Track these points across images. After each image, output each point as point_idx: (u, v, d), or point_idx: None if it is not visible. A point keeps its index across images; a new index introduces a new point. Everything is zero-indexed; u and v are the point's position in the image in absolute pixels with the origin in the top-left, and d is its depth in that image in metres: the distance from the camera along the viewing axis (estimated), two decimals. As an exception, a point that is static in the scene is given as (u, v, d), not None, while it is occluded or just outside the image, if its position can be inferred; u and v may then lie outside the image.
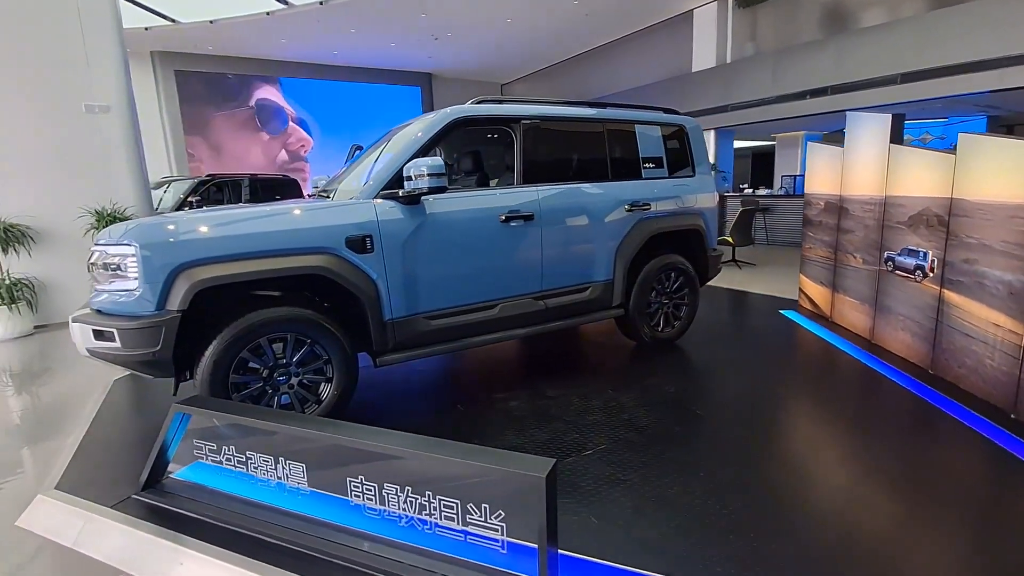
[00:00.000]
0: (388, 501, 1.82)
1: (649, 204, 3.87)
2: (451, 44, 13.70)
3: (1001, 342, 2.87)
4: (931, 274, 3.42)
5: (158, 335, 2.45)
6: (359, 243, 2.84)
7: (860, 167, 4.20)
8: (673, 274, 4.11)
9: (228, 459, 2.17)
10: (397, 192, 2.95)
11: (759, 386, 3.37)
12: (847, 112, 4.38)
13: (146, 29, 11.76)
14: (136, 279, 2.46)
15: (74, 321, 2.63)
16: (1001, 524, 2.02)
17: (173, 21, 11.51)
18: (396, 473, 1.80)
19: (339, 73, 15.46)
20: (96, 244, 2.63)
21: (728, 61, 10.76)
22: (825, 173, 4.77)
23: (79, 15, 5.89)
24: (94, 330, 2.53)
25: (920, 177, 3.52)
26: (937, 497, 2.18)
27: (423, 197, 3.00)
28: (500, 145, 3.85)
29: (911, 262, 3.61)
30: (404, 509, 1.79)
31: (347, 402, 2.93)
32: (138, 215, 6.19)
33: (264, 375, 2.71)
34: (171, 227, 2.54)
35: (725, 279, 7.12)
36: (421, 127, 3.20)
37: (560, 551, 1.89)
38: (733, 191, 11.93)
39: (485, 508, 1.64)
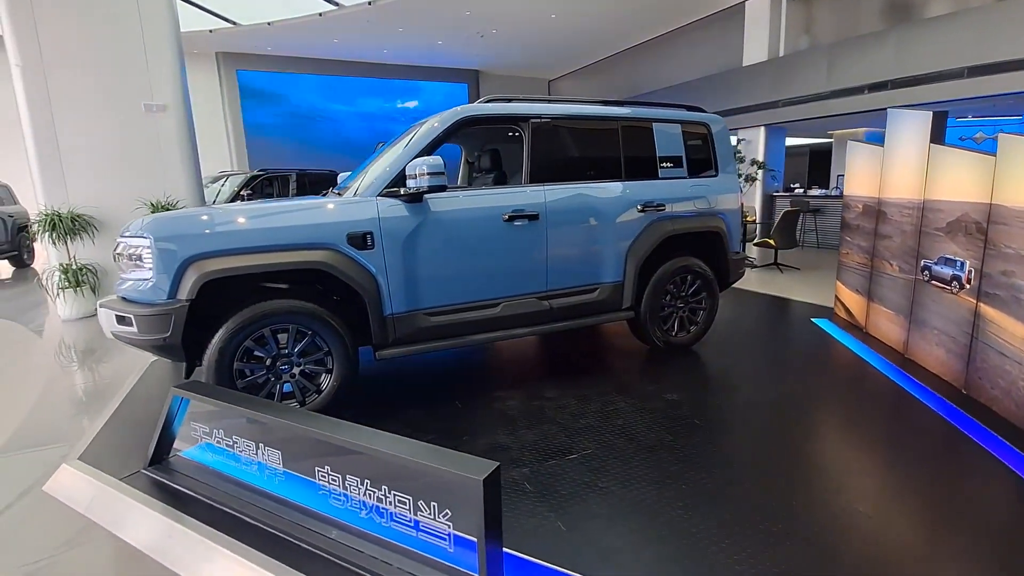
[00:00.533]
0: (351, 492, 1.88)
1: (664, 205, 3.77)
2: (497, 41, 13.76)
3: (1037, 363, 2.62)
4: (968, 286, 3.16)
5: (168, 322, 2.63)
6: (360, 240, 2.92)
7: (899, 168, 3.92)
8: (689, 277, 3.98)
9: (219, 442, 2.31)
10: (399, 190, 3.03)
11: (770, 400, 3.22)
12: (888, 109, 4.09)
13: (210, 31, 12.49)
14: (151, 269, 2.65)
15: (101, 307, 2.86)
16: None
17: (234, 23, 12.16)
18: (357, 466, 1.86)
19: (389, 71, 15.85)
20: (121, 236, 2.85)
21: (781, 55, 10.24)
22: (864, 174, 4.48)
23: (140, 21, 6.35)
24: (116, 315, 2.74)
25: (959, 180, 3.25)
26: (954, 536, 2.02)
27: (425, 196, 3.06)
28: (515, 144, 3.86)
29: (948, 272, 3.35)
30: (365, 500, 1.85)
31: (347, 393, 3.03)
32: (189, 207, 6.61)
33: (267, 364, 2.85)
34: (184, 222, 2.72)
35: (762, 283, 6.83)
36: (428, 126, 3.25)
37: (518, 554, 1.90)
38: (783, 191, 11.38)
39: (434, 506, 1.67)
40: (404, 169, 3.02)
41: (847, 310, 4.79)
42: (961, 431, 2.72)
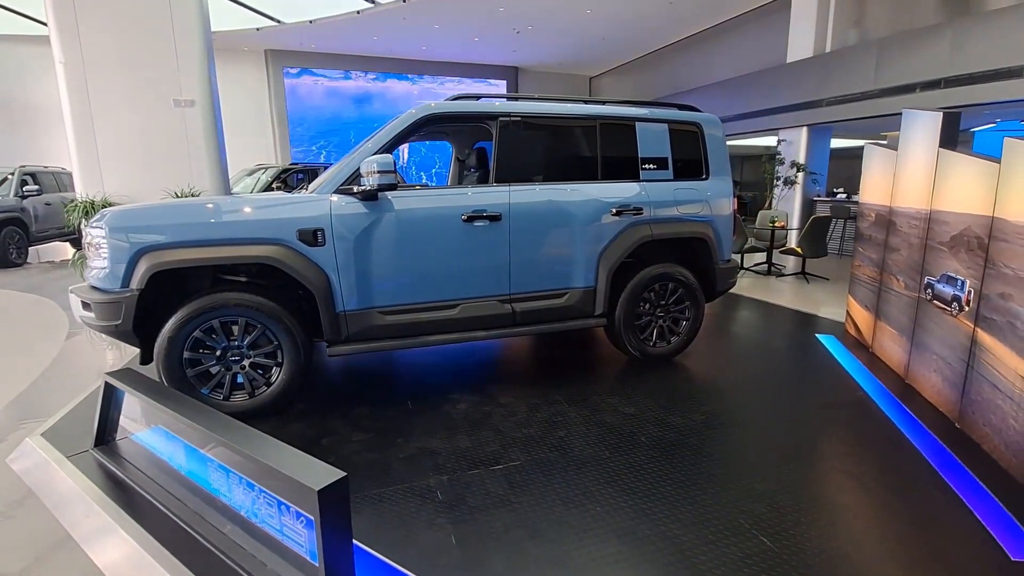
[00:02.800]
0: (233, 487, 1.88)
1: (642, 208, 3.59)
2: (533, 37, 13.64)
3: (1029, 400, 2.31)
4: (967, 308, 2.83)
5: (120, 310, 2.73)
6: (311, 236, 2.94)
7: (909, 174, 3.57)
8: (671, 285, 3.78)
9: (142, 427, 2.38)
10: (352, 188, 3.02)
11: (736, 422, 3.00)
12: (903, 110, 3.72)
13: (257, 30, 13.02)
14: (106, 258, 2.76)
15: (71, 292, 3.01)
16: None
17: (279, 22, 12.62)
18: (242, 465, 1.86)
19: (428, 68, 16.04)
20: (87, 226, 2.98)
21: (827, 50, 9.59)
22: (878, 180, 4.11)
23: (171, 21, 6.68)
24: (81, 301, 2.87)
25: (964, 189, 2.91)
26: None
27: (380, 194, 3.05)
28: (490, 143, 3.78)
29: (949, 291, 3.01)
30: (245, 497, 1.84)
31: (299, 387, 3.06)
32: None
33: (217, 355, 2.92)
34: (138, 214, 2.81)
35: (780, 293, 6.44)
36: (391, 123, 3.23)
37: (390, 562, 1.84)
38: (826, 195, 10.69)
39: (294, 510, 1.64)
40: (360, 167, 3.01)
41: (856, 327, 4.43)
42: (941, 476, 2.40)
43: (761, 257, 8.17)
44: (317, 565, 1.52)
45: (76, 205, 6.35)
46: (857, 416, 3.04)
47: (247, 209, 2.94)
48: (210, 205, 2.94)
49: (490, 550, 1.92)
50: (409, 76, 16.06)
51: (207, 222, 2.84)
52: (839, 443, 2.77)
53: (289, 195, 3.11)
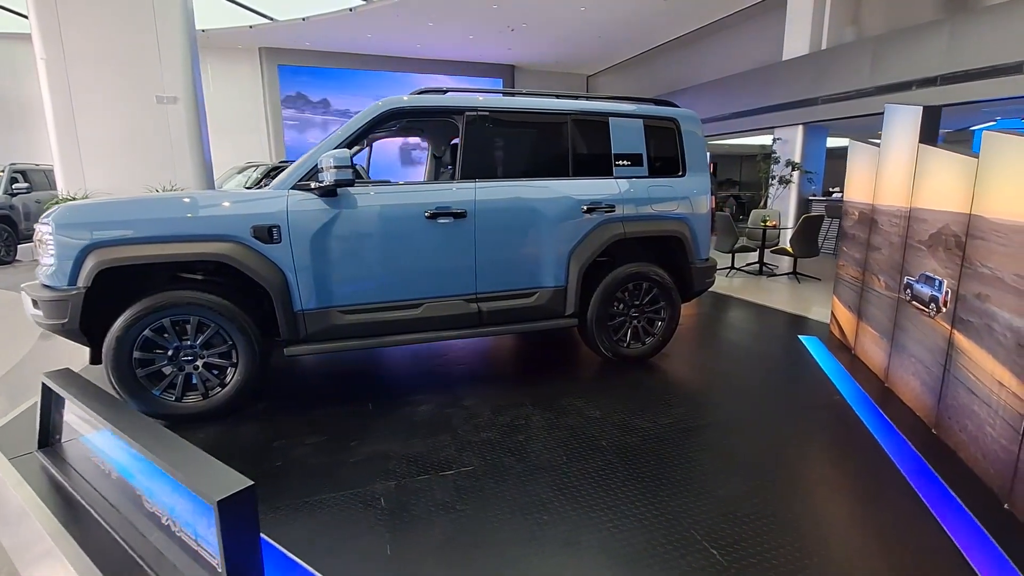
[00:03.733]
0: (156, 492, 1.80)
1: (614, 206, 3.49)
2: (527, 35, 13.54)
3: (1004, 407, 2.20)
4: (944, 309, 2.72)
5: (66, 308, 2.65)
6: (266, 233, 2.85)
7: (890, 171, 3.46)
8: (645, 285, 3.68)
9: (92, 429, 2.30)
10: (310, 184, 2.93)
11: (702, 425, 2.89)
12: (886, 105, 3.61)
13: (250, 27, 12.96)
14: (53, 256, 2.68)
15: (22, 289, 2.93)
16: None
17: (272, 19, 12.56)
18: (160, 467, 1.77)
19: (423, 66, 15.96)
20: (38, 222, 2.90)
21: (823, 47, 9.45)
22: (861, 177, 4.00)
23: (154, 18, 6.62)
24: (31, 299, 2.79)
25: (943, 186, 2.80)
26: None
27: (339, 190, 2.96)
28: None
29: (927, 292, 2.90)
30: (167, 501, 1.76)
31: (255, 387, 2.98)
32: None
33: (169, 355, 2.83)
34: (86, 210, 2.72)
35: (768, 293, 6.33)
36: (353, 118, 3.14)
37: (315, 572, 1.75)
38: (822, 195, 10.55)
39: (205, 520, 1.55)
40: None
41: (840, 329, 4.32)
42: (911, 486, 2.29)
43: (753, 257, 8.04)
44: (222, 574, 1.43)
45: (55, 202, 6.29)
46: (830, 421, 2.93)
47: (200, 205, 2.85)
48: (161, 201, 2.86)
49: (425, 561, 1.83)
50: (407, 73, 15.98)
51: (157, 218, 2.75)
52: (807, 450, 2.67)
53: (245, 191, 3.02)
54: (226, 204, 2.86)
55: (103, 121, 6.55)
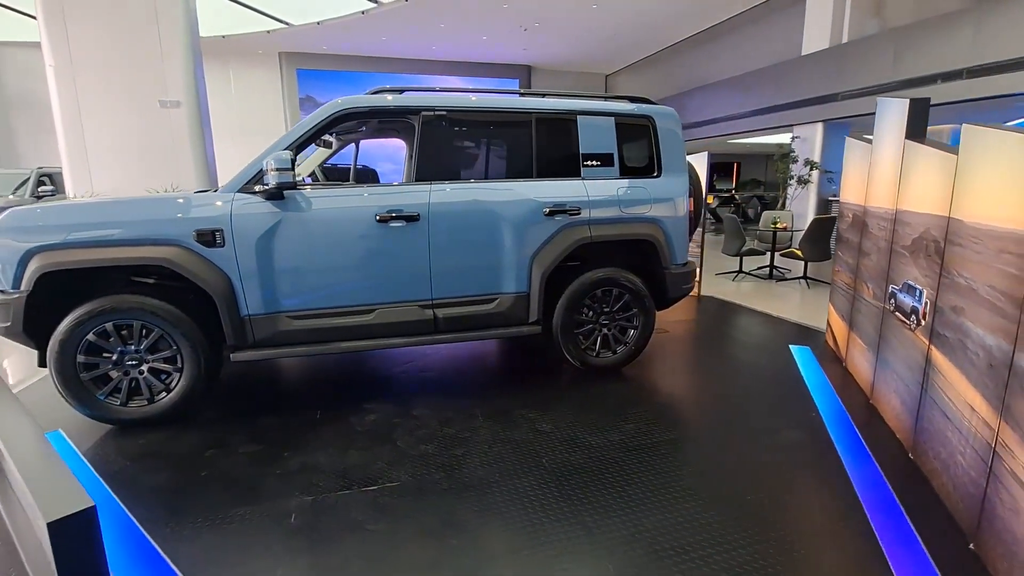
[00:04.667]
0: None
1: (579, 209, 3.33)
2: (541, 34, 13.38)
3: (974, 435, 1.96)
4: (923, 322, 2.47)
5: (8, 312, 2.66)
6: (209, 237, 2.81)
7: (880, 171, 3.20)
8: (615, 291, 3.50)
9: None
10: (255, 187, 2.88)
11: (655, 443, 2.70)
12: (877, 99, 3.34)
13: (268, 32, 13.20)
14: (-1, 260, 2.69)
15: (-23, 292, 2.96)
16: None
17: (288, 24, 12.76)
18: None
19: (439, 68, 15.97)
20: (-9, 225, 2.93)
21: (844, 41, 9.00)
22: (855, 177, 3.73)
23: (157, 22, 6.75)
24: (-21, 301, 2.81)
25: (924, 185, 2.55)
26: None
27: (286, 192, 2.90)
28: (459, 139, 3.53)
29: (908, 302, 2.65)
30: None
31: (201, 392, 2.94)
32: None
33: (114, 359, 2.81)
34: (31, 215, 2.72)
35: (771, 298, 6.03)
36: (305, 119, 3.07)
37: (192, 602, 1.67)
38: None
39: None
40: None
41: (834, 338, 4.04)
42: (869, 522, 2.06)
43: (764, 260, 7.70)
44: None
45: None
46: (799, 442, 2.70)
47: (144, 209, 2.82)
48: (106, 205, 2.84)
49: (314, 587, 1.73)
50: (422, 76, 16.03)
51: (99, 222, 2.73)
52: (764, 475, 2.44)
53: (189, 194, 2.99)
54: (170, 208, 2.83)
55: (109, 125, 6.71)
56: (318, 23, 12.56)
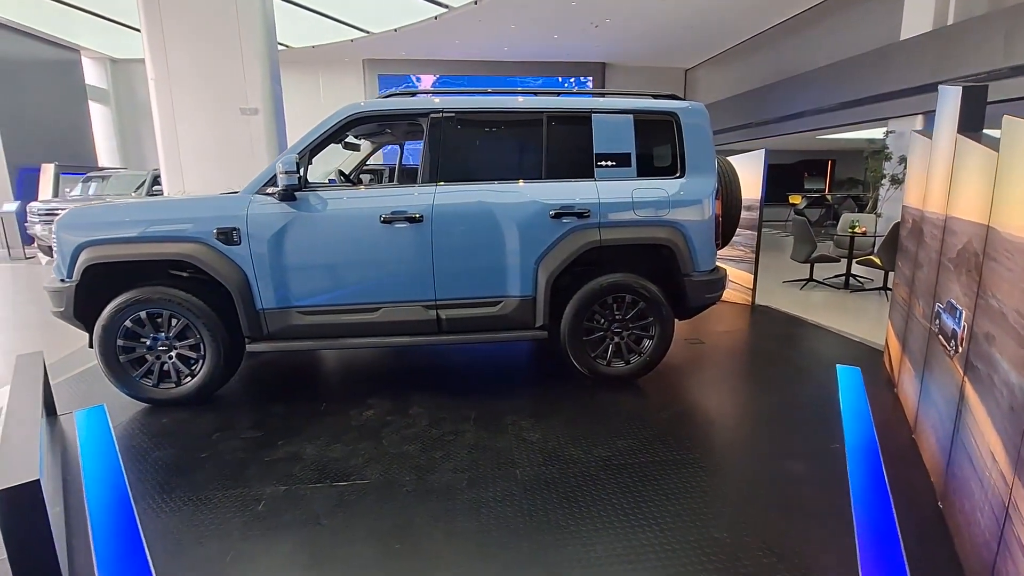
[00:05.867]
0: None
1: (588, 211, 3.20)
2: (613, 31, 13.05)
3: (992, 488, 1.65)
4: (960, 349, 2.12)
5: (63, 298, 3.03)
6: (227, 235, 3.02)
7: (934, 170, 2.78)
8: (628, 298, 3.33)
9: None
10: (268, 189, 3.06)
11: (638, 465, 2.51)
12: (939, 87, 2.90)
13: (351, 41, 14.00)
14: (57, 252, 3.07)
15: (44, 286, 3.40)
16: None
17: (368, 32, 13.45)
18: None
19: (512, 68, 16.08)
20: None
21: (949, 23, 7.91)
22: (917, 178, 3.26)
23: (239, 36, 7.38)
24: (47, 291, 3.23)
25: (969, 187, 2.18)
26: None
27: (298, 193, 3.05)
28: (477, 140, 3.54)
29: (950, 325, 2.28)
30: None
31: (221, 379, 3.18)
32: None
33: (147, 345, 3.11)
34: (82, 214, 3.08)
35: (837, 313, 5.46)
36: (317, 124, 3.21)
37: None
38: (950, 197, 8.84)
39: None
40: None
41: (890, 360, 3.57)
42: None
43: (839, 268, 6.99)
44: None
45: (157, 203, 7.27)
46: (803, 477, 2.40)
47: (173, 209, 3.10)
48: (143, 206, 3.15)
49: (257, 574, 1.80)
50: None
51: (137, 221, 3.04)
52: (752, 515, 2.18)
53: (214, 196, 3.23)
54: (196, 209, 3.08)
55: (197, 131, 7.45)
56: (395, 30, 13.13)
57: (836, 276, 7.08)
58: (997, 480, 1.61)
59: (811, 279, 6.90)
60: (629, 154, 3.31)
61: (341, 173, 4.09)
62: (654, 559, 1.85)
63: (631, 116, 3.31)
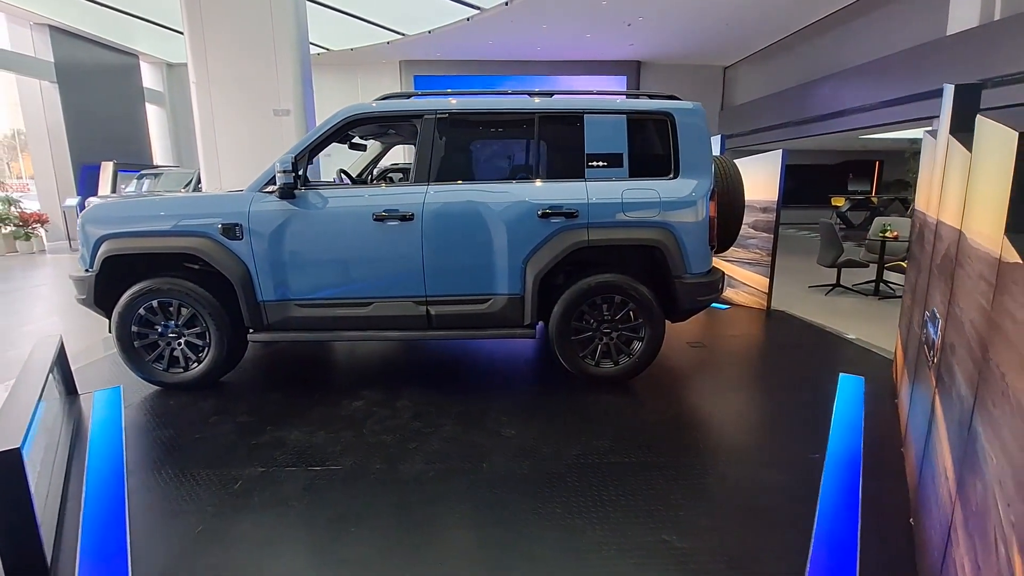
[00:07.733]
0: None
1: (576, 211, 3.21)
2: (647, 29, 12.86)
3: (941, 506, 1.59)
4: (935, 359, 2.03)
5: (85, 286, 3.28)
6: (231, 230, 3.20)
7: (932, 173, 2.66)
8: (617, 298, 3.32)
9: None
10: (270, 187, 3.22)
11: (606, 465, 2.51)
12: (944, 85, 2.76)
13: (387, 43, 14.32)
14: (82, 244, 3.32)
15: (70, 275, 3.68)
16: None
17: (402, 34, 13.74)
18: None
19: (545, 68, 16.07)
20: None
21: (997, 17, 7.42)
22: (925, 180, 3.12)
23: (274, 40, 7.71)
24: (72, 279, 3.50)
25: (951, 190, 2.09)
26: None
27: (297, 191, 3.19)
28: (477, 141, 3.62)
29: (931, 334, 2.19)
30: None
31: (225, 366, 3.37)
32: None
33: (158, 331, 3.33)
34: (102, 208, 3.33)
35: (859, 320, 5.24)
36: (317, 126, 3.35)
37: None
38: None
39: None
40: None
41: (896, 369, 3.42)
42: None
43: (870, 273, 6.69)
44: None
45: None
46: (772, 486, 2.34)
47: (183, 205, 3.30)
48: (157, 202, 3.37)
49: (220, 548, 1.92)
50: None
51: (150, 216, 3.26)
52: (711, 517, 2.16)
53: (220, 193, 3.41)
54: (203, 205, 3.28)
55: (234, 131, 7.83)
56: (429, 32, 13.35)
57: (866, 282, 6.79)
58: (945, 499, 1.55)
59: (838, 284, 6.64)
60: (621, 155, 3.30)
61: (344, 172, 4.24)
62: (595, 559, 1.87)
63: (624, 117, 3.30)
